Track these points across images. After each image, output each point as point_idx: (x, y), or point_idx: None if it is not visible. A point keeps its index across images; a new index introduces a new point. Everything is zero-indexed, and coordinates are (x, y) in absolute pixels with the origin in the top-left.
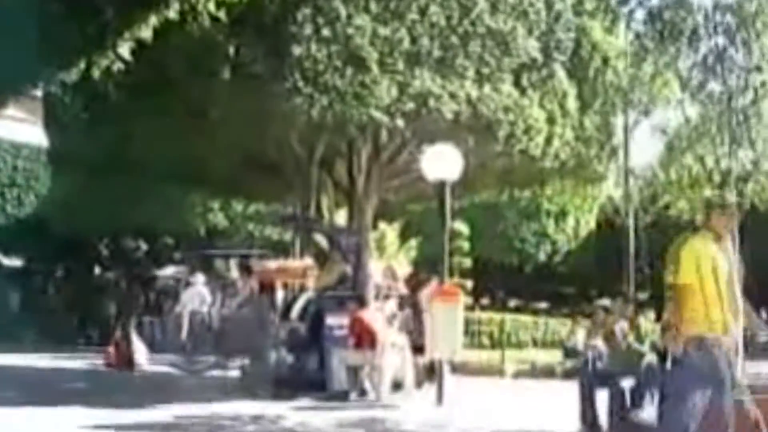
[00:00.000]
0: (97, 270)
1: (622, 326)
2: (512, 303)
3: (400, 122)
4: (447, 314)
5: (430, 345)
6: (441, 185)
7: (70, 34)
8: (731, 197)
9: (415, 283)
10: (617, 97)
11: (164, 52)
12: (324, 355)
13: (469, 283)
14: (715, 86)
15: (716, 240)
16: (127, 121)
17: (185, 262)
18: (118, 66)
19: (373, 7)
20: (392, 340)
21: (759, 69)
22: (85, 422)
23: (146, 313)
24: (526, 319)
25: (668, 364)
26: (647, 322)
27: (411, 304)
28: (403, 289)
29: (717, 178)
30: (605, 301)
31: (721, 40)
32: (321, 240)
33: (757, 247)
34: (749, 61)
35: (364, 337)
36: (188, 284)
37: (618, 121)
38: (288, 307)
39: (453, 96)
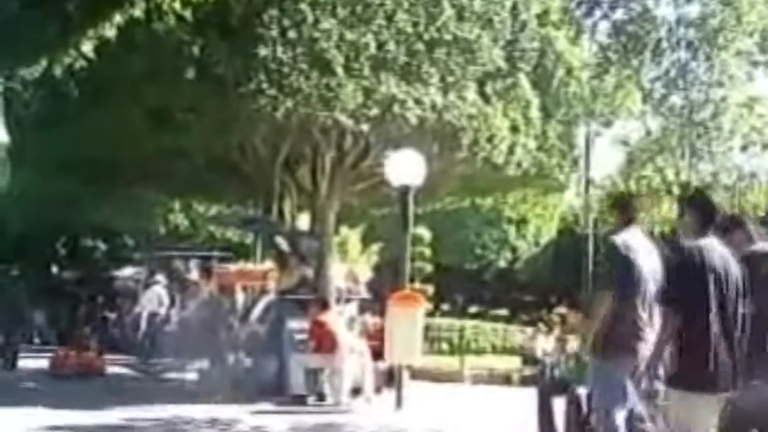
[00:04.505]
0: (54, 269)
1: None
2: (472, 309)
3: (364, 127)
4: (407, 320)
5: (390, 350)
6: (404, 191)
7: (33, 30)
8: None
9: None
10: (580, 107)
11: (128, 51)
12: (283, 358)
13: (429, 289)
14: (676, 99)
15: None
16: (89, 119)
17: (144, 263)
18: (80, 64)
19: (339, 11)
20: (352, 344)
21: (720, 84)
22: (40, 424)
23: (104, 314)
24: (485, 325)
25: None
26: None
27: None
28: (365, 293)
29: (676, 190)
30: (562, 310)
31: (683, 54)
32: (282, 243)
33: None
34: (711, 76)
35: (324, 341)
36: (147, 285)
37: (580, 132)
38: (248, 310)
39: (418, 102)
